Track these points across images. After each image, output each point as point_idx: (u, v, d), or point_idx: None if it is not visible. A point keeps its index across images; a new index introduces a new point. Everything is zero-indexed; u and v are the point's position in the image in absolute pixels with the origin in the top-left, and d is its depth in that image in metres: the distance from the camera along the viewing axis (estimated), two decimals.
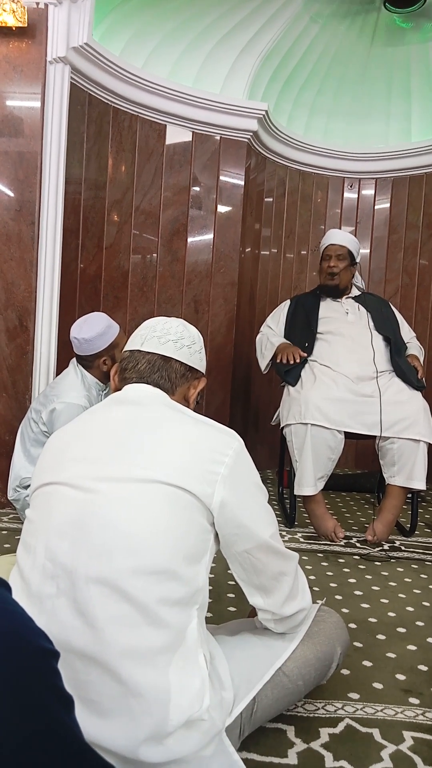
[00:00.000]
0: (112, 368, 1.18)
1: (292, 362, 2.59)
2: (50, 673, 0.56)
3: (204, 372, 1.19)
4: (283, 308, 2.90)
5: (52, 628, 0.88)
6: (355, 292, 2.87)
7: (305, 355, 2.61)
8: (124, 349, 1.17)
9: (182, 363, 1.13)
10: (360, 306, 2.78)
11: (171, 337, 1.13)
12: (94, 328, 2.22)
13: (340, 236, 2.83)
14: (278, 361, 2.65)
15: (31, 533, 0.99)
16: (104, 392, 2.38)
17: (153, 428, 1.01)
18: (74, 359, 2.34)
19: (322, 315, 2.74)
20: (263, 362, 2.83)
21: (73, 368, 2.32)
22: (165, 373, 1.11)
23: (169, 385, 1.11)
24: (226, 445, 1.00)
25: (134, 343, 1.16)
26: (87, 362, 2.30)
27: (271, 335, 2.84)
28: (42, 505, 1.00)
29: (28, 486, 2.29)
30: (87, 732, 0.83)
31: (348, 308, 2.76)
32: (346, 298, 2.81)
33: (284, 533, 2.53)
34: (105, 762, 0.60)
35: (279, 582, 1.06)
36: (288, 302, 2.93)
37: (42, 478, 1.03)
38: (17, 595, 0.94)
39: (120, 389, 1.12)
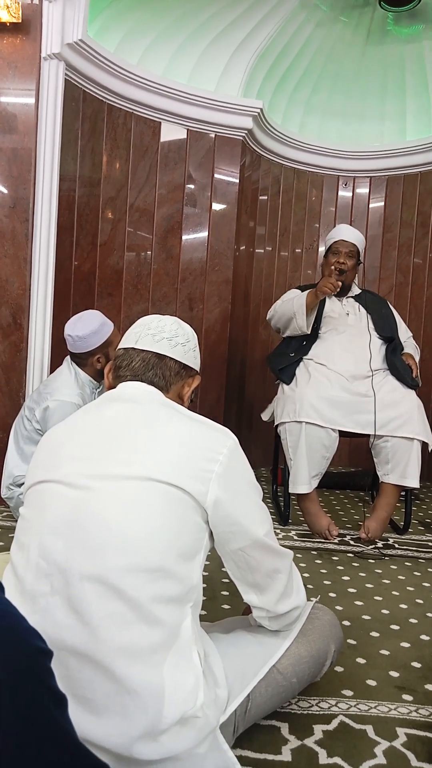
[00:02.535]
0: (106, 366, 1.17)
1: (337, 288, 2.44)
2: (43, 672, 0.56)
3: (198, 370, 1.19)
4: (294, 293, 2.81)
5: (46, 627, 0.88)
6: (355, 290, 2.85)
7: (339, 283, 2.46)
8: (118, 347, 1.17)
9: (177, 361, 1.13)
10: (360, 307, 2.77)
11: (165, 334, 1.13)
12: (88, 326, 2.21)
13: (351, 233, 2.72)
14: (320, 290, 2.46)
15: (25, 531, 0.98)
16: (98, 390, 2.37)
17: (147, 426, 1.01)
18: (68, 357, 2.33)
19: (324, 312, 2.72)
20: (301, 318, 2.56)
21: (67, 366, 2.31)
22: (159, 371, 1.11)
23: (163, 383, 1.11)
24: (220, 443, 1.00)
25: (128, 341, 1.15)
26: (81, 360, 2.29)
27: (291, 297, 2.69)
28: (36, 503, 0.99)
29: (22, 484, 2.28)
30: (81, 730, 0.84)
31: (349, 309, 2.75)
32: (347, 297, 2.80)
33: (278, 531, 2.54)
34: (98, 760, 0.60)
35: (273, 580, 1.06)
36: (296, 289, 2.86)
37: (36, 476, 1.02)
38: (11, 594, 0.94)
39: (114, 387, 1.12)
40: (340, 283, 2.45)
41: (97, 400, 1.12)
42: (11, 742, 0.50)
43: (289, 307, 2.62)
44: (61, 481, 0.97)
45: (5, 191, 2.60)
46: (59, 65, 2.63)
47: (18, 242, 2.61)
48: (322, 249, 3.86)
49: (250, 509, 1.01)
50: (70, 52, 2.68)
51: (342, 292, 2.73)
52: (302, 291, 2.78)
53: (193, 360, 1.17)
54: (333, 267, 2.65)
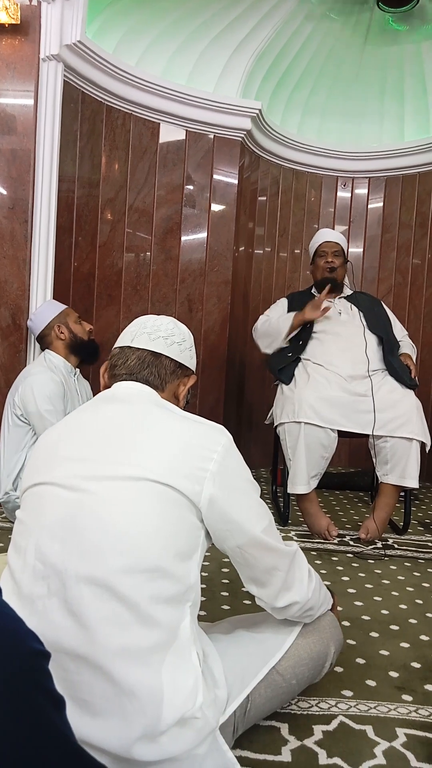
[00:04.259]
0: (102, 366, 1.17)
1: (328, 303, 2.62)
2: (41, 674, 0.56)
3: (194, 370, 1.19)
4: (282, 304, 2.89)
5: (44, 629, 0.87)
6: (347, 291, 2.88)
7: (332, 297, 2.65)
8: (114, 346, 1.17)
9: (172, 359, 1.13)
10: (352, 305, 2.79)
11: (161, 333, 1.14)
12: (41, 305, 2.53)
13: (333, 234, 2.86)
14: (307, 316, 2.63)
15: (22, 534, 0.98)
16: (75, 375, 2.45)
17: (141, 426, 1.01)
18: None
19: None
20: (280, 337, 2.69)
21: (41, 356, 2.45)
22: (155, 369, 1.11)
23: (158, 382, 1.11)
24: (214, 441, 0.99)
25: (124, 339, 1.16)
26: (46, 339, 2.43)
27: (278, 316, 2.79)
28: (32, 506, 0.99)
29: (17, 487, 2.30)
30: (80, 732, 0.84)
31: (341, 308, 2.77)
32: (339, 297, 2.82)
33: (278, 532, 2.54)
34: (97, 762, 0.60)
35: (272, 576, 1.05)
36: (284, 299, 2.92)
37: (32, 479, 1.02)
38: (8, 597, 0.94)
39: (109, 387, 1.12)
40: (330, 305, 2.63)
41: (91, 400, 1.12)
42: (9, 745, 0.50)
43: (275, 328, 2.74)
44: (56, 483, 0.97)
45: (4, 192, 2.60)
46: (58, 66, 2.63)
47: (17, 243, 2.61)
48: None
49: (247, 506, 1.01)
50: (68, 53, 2.68)
51: (337, 289, 2.80)
52: (294, 299, 2.87)
53: (189, 360, 1.17)
54: (322, 267, 2.79)
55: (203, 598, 1.07)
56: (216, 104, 3.26)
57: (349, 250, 2.91)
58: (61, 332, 2.40)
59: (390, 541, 2.49)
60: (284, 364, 2.65)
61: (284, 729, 1.18)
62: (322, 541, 2.45)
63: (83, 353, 2.44)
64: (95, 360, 2.49)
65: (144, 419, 1.02)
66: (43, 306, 2.49)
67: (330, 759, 1.10)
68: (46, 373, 2.29)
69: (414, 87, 3.65)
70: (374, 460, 2.49)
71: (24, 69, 2.56)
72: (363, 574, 2.10)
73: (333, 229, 3.90)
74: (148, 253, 3.34)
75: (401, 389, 2.50)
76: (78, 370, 2.49)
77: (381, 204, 3.94)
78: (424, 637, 1.64)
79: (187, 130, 3.31)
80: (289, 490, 2.47)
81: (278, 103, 3.69)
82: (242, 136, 3.40)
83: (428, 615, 1.79)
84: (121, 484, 0.94)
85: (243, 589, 1.82)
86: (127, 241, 3.26)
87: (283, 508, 2.65)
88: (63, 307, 2.47)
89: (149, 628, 0.89)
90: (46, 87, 2.60)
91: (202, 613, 1.66)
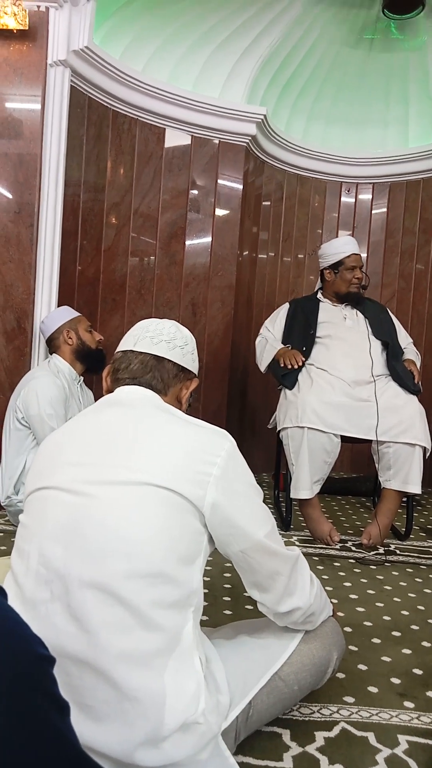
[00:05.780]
0: (104, 370, 1.18)
1: (292, 367, 2.58)
2: (46, 679, 0.56)
3: (196, 373, 1.20)
4: (282, 311, 2.90)
5: (47, 634, 0.88)
6: None
7: (304, 360, 2.61)
8: (117, 350, 1.18)
9: (175, 363, 1.13)
10: (358, 312, 2.79)
11: (164, 337, 1.14)
12: (56, 309, 2.58)
13: (357, 245, 2.81)
14: (281, 365, 2.62)
15: (25, 538, 0.99)
16: (78, 383, 2.48)
17: (145, 431, 1.01)
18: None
19: (321, 319, 2.74)
20: (262, 365, 2.81)
21: (46, 360, 2.49)
22: (158, 374, 1.12)
23: (161, 386, 1.11)
24: (218, 446, 0.99)
25: (127, 343, 1.16)
26: (55, 343, 2.47)
27: (271, 339, 2.82)
28: (35, 510, 0.99)
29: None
30: (82, 737, 0.84)
31: (346, 314, 2.77)
32: (345, 304, 2.81)
33: (280, 536, 2.53)
34: None
35: (274, 581, 1.05)
36: (287, 305, 2.92)
37: (35, 483, 1.02)
38: (12, 601, 0.94)
39: (112, 391, 1.12)
40: (299, 361, 2.60)
41: (95, 404, 1.12)
42: (12, 749, 0.50)
43: (263, 353, 2.80)
44: (60, 487, 0.97)
45: (11, 196, 2.62)
46: (65, 72, 2.65)
47: (23, 247, 2.63)
48: None
49: (249, 511, 1.01)
50: (75, 58, 2.70)
51: (353, 301, 2.78)
52: (297, 305, 2.85)
53: (192, 363, 1.18)
54: (350, 281, 2.73)
55: (205, 603, 1.07)
56: (221, 110, 3.28)
57: None
58: (69, 337, 2.43)
59: (392, 547, 2.49)
60: (288, 369, 2.65)
61: (286, 735, 1.18)
62: (324, 546, 2.44)
63: (89, 361, 2.46)
64: (101, 370, 2.50)
65: (147, 423, 1.02)
66: (58, 310, 2.54)
67: (331, 766, 1.10)
68: (49, 376, 2.31)
69: (418, 93, 3.66)
70: (377, 465, 2.49)
71: (31, 74, 2.58)
72: (365, 580, 2.10)
73: (336, 235, 3.91)
74: (153, 258, 3.35)
75: (404, 395, 2.50)
76: (82, 378, 2.50)
77: (385, 210, 3.94)
78: (426, 644, 1.64)
79: (192, 136, 3.33)
80: (292, 495, 2.47)
81: (283, 108, 3.71)
82: (247, 141, 3.41)
83: (430, 621, 1.79)
84: (125, 489, 0.94)
85: (245, 594, 1.83)
86: (132, 246, 3.27)
87: (286, 513, 2.65)
88: (77, 314, 2.51)
89: (152, 632, 0.89)
90: (53, 92, 2.62)
91: (205, 618, 1.66)
